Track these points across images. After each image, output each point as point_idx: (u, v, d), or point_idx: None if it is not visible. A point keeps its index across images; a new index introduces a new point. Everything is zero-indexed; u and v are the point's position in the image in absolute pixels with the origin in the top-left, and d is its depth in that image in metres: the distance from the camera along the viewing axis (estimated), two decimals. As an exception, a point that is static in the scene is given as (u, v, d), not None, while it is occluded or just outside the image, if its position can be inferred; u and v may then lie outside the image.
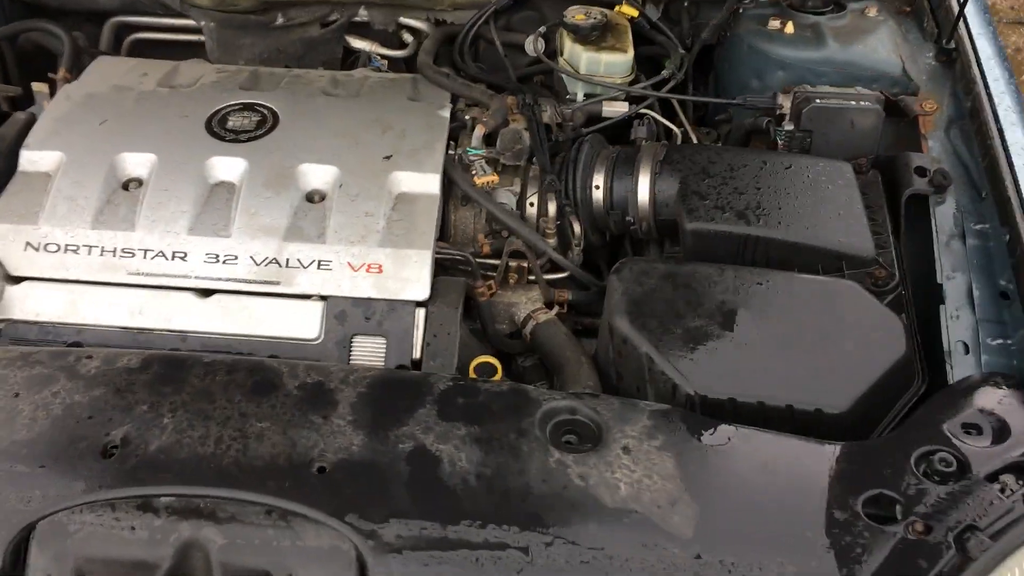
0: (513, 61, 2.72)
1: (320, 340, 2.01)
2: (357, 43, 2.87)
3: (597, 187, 2.28)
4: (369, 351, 2.02)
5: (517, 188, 2.28)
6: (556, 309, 2.20)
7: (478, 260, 2.21)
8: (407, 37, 2.91)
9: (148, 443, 1.63)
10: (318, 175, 2.18)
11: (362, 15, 2.87)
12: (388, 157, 2.22)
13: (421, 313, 2.03)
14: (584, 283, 2.25)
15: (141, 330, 2.02)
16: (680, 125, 2.60)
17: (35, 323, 2.01)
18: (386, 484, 1.60)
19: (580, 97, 2.51)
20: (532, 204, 2.30)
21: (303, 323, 2.02)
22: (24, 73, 2.70)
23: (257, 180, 2.15)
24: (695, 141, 2.60)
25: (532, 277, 2.23)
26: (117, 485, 1.58)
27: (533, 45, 2.67)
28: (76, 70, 2.50)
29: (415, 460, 1.64)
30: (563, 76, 2.53)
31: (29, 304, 2.01)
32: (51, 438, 1.64)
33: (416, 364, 2.00)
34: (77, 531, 1.53)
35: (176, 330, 2.02)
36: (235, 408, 1.70)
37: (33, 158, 2.18)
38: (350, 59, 2.88)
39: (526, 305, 2.25)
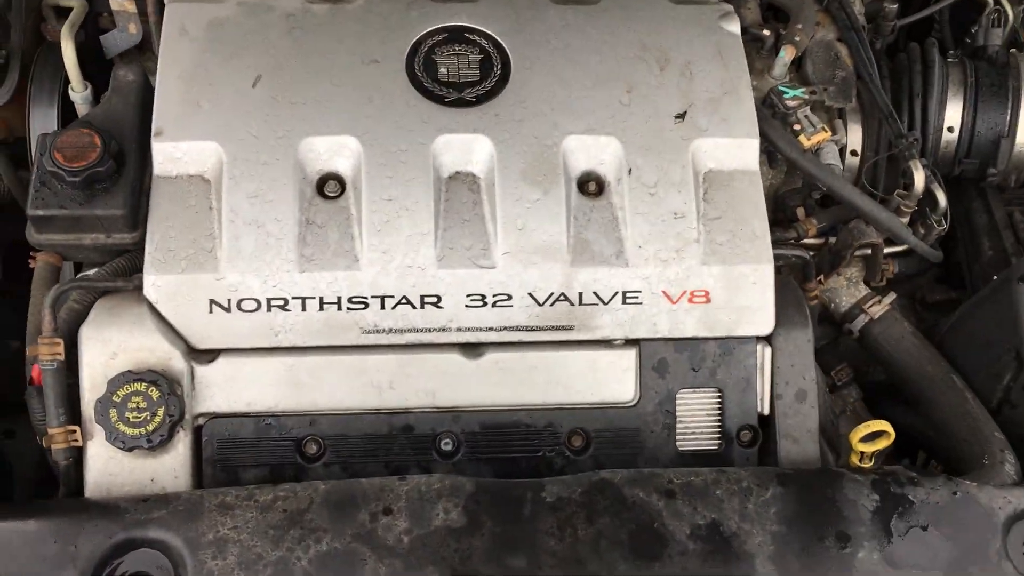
0: None
1: (636, 402, 1.50)
2: None
3: (951, 129, 1.68)
4: (699, 411, 1.52)
5: (838, 135, 1.67)
6: (891, 296, 1.70)
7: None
8: None
9: (533, 665, 1.18)
10: (592, 152, 1.53)
11: None
12: (681, 116, 1.57)
13: (766, 353, 1.52)
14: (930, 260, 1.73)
15: (394, 411, 1.45)
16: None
17: (248, 416, 1.42)
18: None
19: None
20: (855, 154, 1.71)
21: (611, 381, 1.48)
22: None
23: (512, 169, 1.50)
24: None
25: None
26: None
27: None
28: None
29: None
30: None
31: (236, 390, 1.41)
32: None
33: (763, 423, 1.53)
34: None
35: (442, 408, 1.46)
36: (624, 585, 1.23)
37: (175, 154, 1.45)
38: None
39: (847, 290, 1.74)
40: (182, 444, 1.40)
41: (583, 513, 1.28)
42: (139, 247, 1.45)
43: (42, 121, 1.56)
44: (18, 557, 1.21)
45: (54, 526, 1.24)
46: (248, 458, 1.43)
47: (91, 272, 1.47)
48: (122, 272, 1.44)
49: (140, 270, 1.46)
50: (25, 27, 1.71)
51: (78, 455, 1.38)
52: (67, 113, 1.66)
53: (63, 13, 1.74)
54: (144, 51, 1.71)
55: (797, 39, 1.62)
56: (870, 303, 1.69)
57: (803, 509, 1.31)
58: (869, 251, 1.64)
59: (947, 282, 1.99)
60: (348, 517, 1.25)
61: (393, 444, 1.46)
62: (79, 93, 1.51)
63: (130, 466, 1.39)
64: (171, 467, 1.40)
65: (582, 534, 1.26)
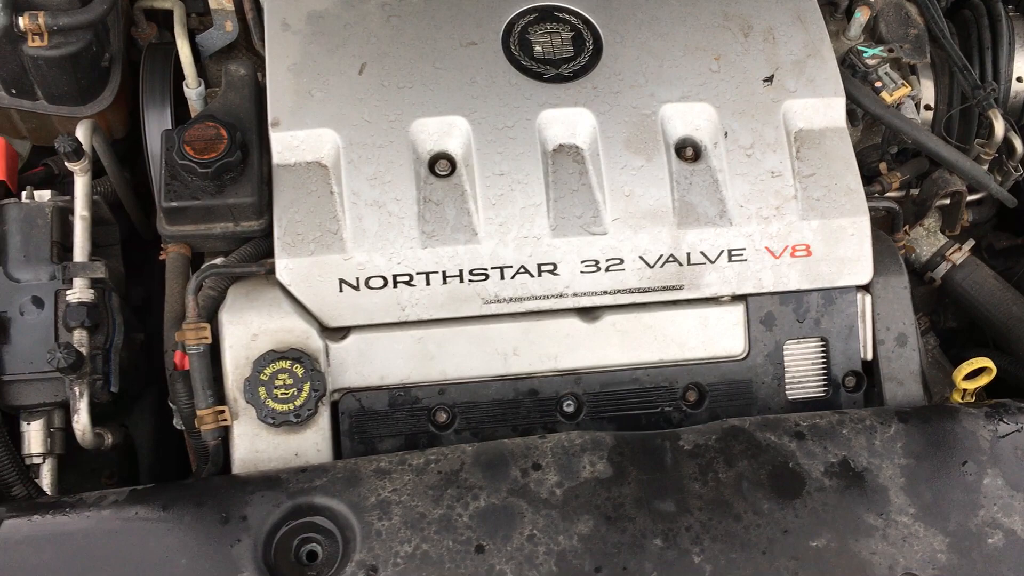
0: None
1: (746, 355, 1.56)
2: None
3: (1020, 79, 1.75)
4: (805, 360, 1.58)
5: (915, 90, 1.74)
6: (970, 243, 1.77)
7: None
8: None
9: (695, 600, 1.24)
10: (687, 119, 1.59)
11: None
12: (769, 79, 1.63)
13: (866, 301, 1.59)
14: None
15: (519, 377, 1.51)
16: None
17: (381, 389, 1.48)
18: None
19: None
20: (928, 108, 1.77)
21: (722, 336, 1.55)
22: None
23: (615, 139, 1.56)
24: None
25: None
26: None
27: None
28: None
29: (1016, 556, 1.30)
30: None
31: (368, 365, 1.47)
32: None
33: (867, 369, 1.59)
34: None
35: (565, 370, 1.52)
36: (768, 522, 1.29)
37: (292, 142, 1.51)
38: None
39: (927, 239, 1.80)
40: (322, 419, 1.45)
41: (721, 458, 1.34)
42: (264, 234, 1.51)
43: (157, 119, 1.61)
44: (193, 532, 1.27)
45: (222, 500, 1.29)
46: (383, 429, 1.49)
47: (217, 260, 1.52)
48: (249, 259, 1.49)
49: (264, 256, 1.53)
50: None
51: (224, 435, 1.44)
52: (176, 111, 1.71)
53: (151, 16, 1.80)
54: (233, 48, 1.78)
55: (871, 0, 1.69)
56: (951, 250, 1.76)
57: (927, 442, 1.38)
58: (949, 200, 1.71)
59: (1008, 229, 2.06)
60: (500, 474, 1.31)
61: (519, 408, 1.52)
62: (194, 89, 1.56)
63: (274, 443, 1.44)
64: (313, 442, 1.45)
65: (724, 477, 1.32)
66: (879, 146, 1.78)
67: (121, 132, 1.77)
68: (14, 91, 1.62)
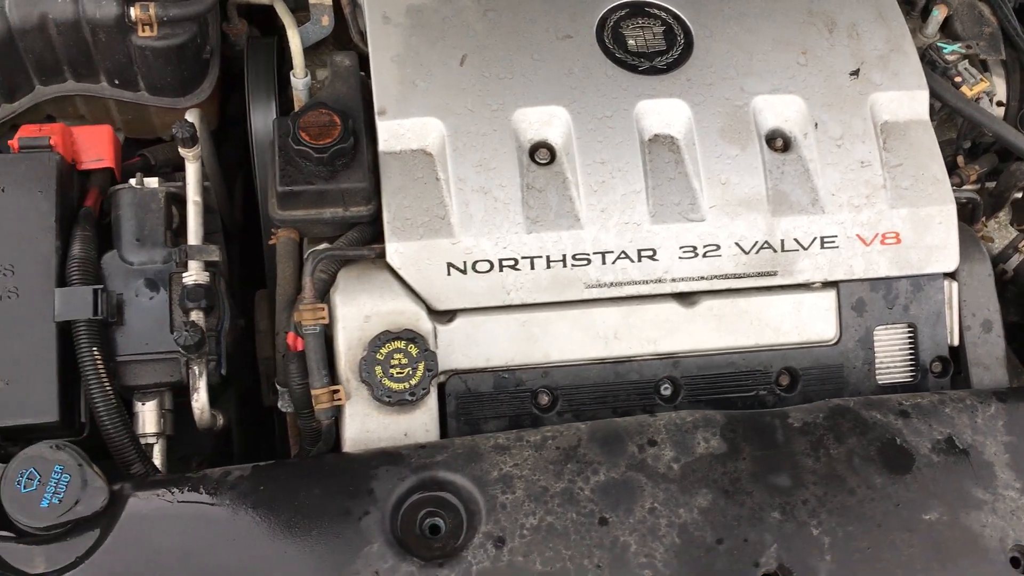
0: None
1: (838, 340, 1.60)
2: None
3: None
4: (894, 346, 1.62)
5: (990, 86, 1.79)
6: (1041, 237, 1.82)
7: None
8: None
9: (815, 570, 1.27)
10: (778, 110, 1.63)
11: None
12: (855, 73, 1.68)
13: (953, 288, 1.63)
14: None
15: (619, 360, 1.55)
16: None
17: (487, 371, 1.51)
18: None
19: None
20: (1000, 104, 1.82)
21: (815, 321, 1.58)
22: None
23: (709, 129, 1.60)
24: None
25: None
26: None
27: None
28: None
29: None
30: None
31: (474, 347, 1.50)
32: (693, 565, 1.26)
33: (953, 354, 1.63)
34: None
35: (664, 353, 1.55)
36: (881, 496, 1.32)
37: (399, 131, 1.54)
38: None
39: (999, 232, 1.85)
40: (431, 400, 1.48)
41: (831, 435, 1.38)
42: (370, 220, 1.54)
43: (263, 109, 1.65)
44: (321, 506, 1.29)
45: (348, 475, 1.32)
46: (488, 411, 1.52)
47: (321, 246, 1.55)
48: (356, 244, 1.53)
49: (369, 242, 1.56)
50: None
51: (336, 415, 1.47)
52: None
53: (242, 12, 1.83)
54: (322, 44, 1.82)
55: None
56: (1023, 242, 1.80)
57: (1025, 418, 1.42)
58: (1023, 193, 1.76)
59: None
60: (617, 450, 1.34)
61: (620, 391, 1.55)
62: (301, 79, 1.60)
63: (384, 423, 1.47)
64: (422, 422, 1.48)
65: (835, 453, 1.35)
66: (953, 141, 1.82)
67: (213, 125, 1.80)
68: (116, 82, 1.66)
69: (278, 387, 1.55)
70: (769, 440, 1.37)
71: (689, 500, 1.30)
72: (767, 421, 1.39)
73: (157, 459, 1.48)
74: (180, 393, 1.51)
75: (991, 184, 1.82)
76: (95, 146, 1.56)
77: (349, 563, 1.24)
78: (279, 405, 1.57)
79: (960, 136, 1.80)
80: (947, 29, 1.81)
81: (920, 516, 1.31)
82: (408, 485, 1.31)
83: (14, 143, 1.50)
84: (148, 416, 1.47)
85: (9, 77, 1.60)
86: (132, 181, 1.54)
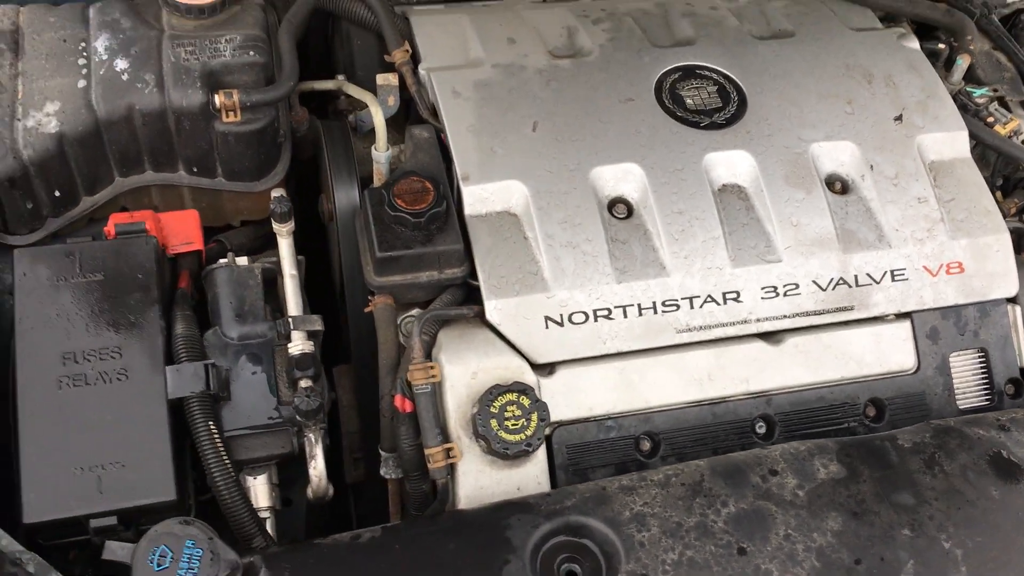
0: None
1: (917, 369, 1.65)
2: None
3: (1102, 112, 1.95)
4: (968, 370, 1.68)
5: (1020, 126, 1.91)
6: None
7: None
8: None
9: (954, 582, 1.29)
10: (834, 156, 1.72)
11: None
12: (899, 118, 1.78)
13: (1016, 311, 1.70)
14: None
15: (716, 400, 1.58)
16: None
17: (590, 420, 1.53)
18: None
19: (991, -8, 2.11)
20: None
21: (894, 352, 1.64)
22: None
23: (774, 176, 1.68)
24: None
25: None
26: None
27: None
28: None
29: None
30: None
31: (576, 398, 1.52)
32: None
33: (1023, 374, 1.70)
34: None
35: (756, 392, 1.59)
36: (1001, 506, 1.35)
37: (483, 194, 1.60)
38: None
39: (1030, 262, 1.94)
40: (540, 452, 1.49)
41: (941, 452, 1.41)
42: (463, 281, 1.58)
43: (346, 185, 1.68)
44: (460, 558, 1.28)
45: (481, 526, 1.32)
46: (595, 459, 1.53)
47: (414, 312, 1.58)
48: (451, 305, 1.55)
49: (462, 303, 1.59)
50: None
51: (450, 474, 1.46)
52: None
53: (305, 100, 1.89)
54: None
55: (971, 48, 1.87)
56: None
57: None
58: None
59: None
60: (741, 482, 1.36)
61: (718, 432, 1.58)
62: (383, 153, 1.64)
63: (497, 478, 1.47)
64: (533, 475, 1.48)
65: (949, 468, 1.39)
66: (988, 178, 1.93)
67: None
68: (195, 169, 1.69)
69: (382, 453, 1.55)
70: (884, 461, 1.40)
71: (821, 524, 1.32)
72: (878, 444, 1.42)
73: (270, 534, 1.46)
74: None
75: (1019, 224, 1.92)
76: (184, 230, 1.58)
77: (499, 612, 1.23)
78: (382, 472, 1.56)
79: (993, 173, 1.91)
80: (970, 76, 1.94)
81: (1042, 523, 1.35)
82: (543, 532, 1.31)
83: (110, 229, 1.52)
84: (260, 490, 1.45)
85: (93, 170, 1.62)
86: (223, 261, 1.57)
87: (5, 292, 1.57)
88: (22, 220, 1.60)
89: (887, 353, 1.65)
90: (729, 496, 1.35)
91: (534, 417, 1.44)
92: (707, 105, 1.76)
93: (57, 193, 1.60)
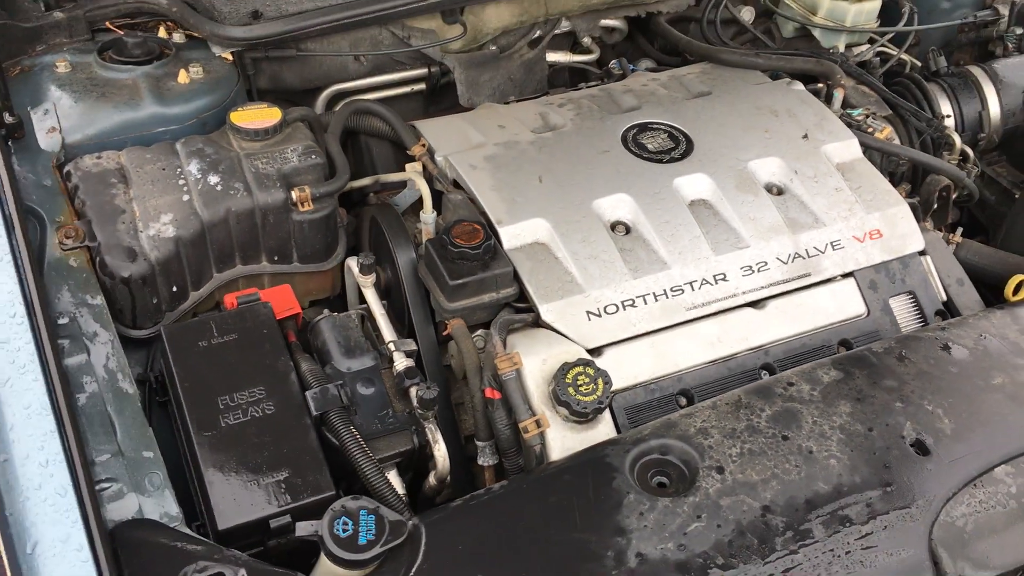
0: (724, 35, 2.86)
1: (868, 313, 2.11)
2: (552, 56, 2.86)
3: (948, 116, 2.54)
4: (905, 309, 2.15)
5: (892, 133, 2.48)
6: (959, 229, 2.44)
7: None
8: (586, 41, 2.92)
9: (942, 431, 1.70)
10: (766, 169, 2.23)
11: (563, 26, 2.85)
12: (805, 136, 2.31)
13: (928, 260, 2.20)
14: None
15: (727, 357, 2.00)
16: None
17: (639, 386, 1.92)
18: None
19: (841, 47, 2.72)
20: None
21: (849, 303, 2.11)
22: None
23: (728, 187, 2.17)
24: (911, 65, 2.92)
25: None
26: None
27: (744, 14, 2.83)
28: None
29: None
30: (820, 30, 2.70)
31: (625, 369, 1.92)
32: (861, 447, 1.67)
33: (947, 307, 2.17)
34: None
35: (755, 346, 2.02)
36: (960, 376, 1.79)
37: (516, 231, 2.02)
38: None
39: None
40: (607, 415, 1.86)
41: (907, 350, 1.86)
42: (512, 300, 1.96)
43: (405, 250, 2.06)
44: (579, 484, 1.61)
45: (584, 461, 1.67)
46: (646, 417, 1.90)
47: (480, 332, 1.95)
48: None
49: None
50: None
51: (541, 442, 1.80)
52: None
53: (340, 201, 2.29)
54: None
55: (843, 84, 2.45)
56: (949, 237, 2.42)
57: None
58: (939, 197, 2.39)
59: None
60: (769, 394, 1.76)
61: (733, 381, 1.99)
62: (430, 215, 2.05)
63: (578, 439, 1.82)
64: (605, 433, 1.85)
65: (915, 359, 1.83)
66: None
67: (337, 290, 2.21)
68: (276, 258, 2.05)
69: (479, 444, 1.88)
70: (868, 363, 1.83)
71: (835, 410, 1.73)
72: (861, 354, 1.86)
73: (403, 519, 1.75)
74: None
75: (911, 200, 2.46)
76: (284, 300, 1.92)
77: (619, 510, 1.57)
78: (480, 461, 1.89)
79: (880, 169, 2.45)
80: (845, 104, 2.52)
81: (990, 383, 1.78)
82: (633, 455, 1.67)
83: (232, 302, 1.85)
84: (393, 481, 1.75)
85: (198, 267, 1.97)
86: (325, 312, 1.92)
87: (144, 374, 1.88)
88: (148, 315, 1.92)
89: (843, 305, 2.11)
90: (763, 405, 1.75)
91: (600, 382, 1.82)
92: (663, 147, 2.26)
93: (174, 288, 1.94)
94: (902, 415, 1.74)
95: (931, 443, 1.70)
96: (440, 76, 2.66)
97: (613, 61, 2.75)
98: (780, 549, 1.54)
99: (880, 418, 1.73)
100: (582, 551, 1.55)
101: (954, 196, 2.48)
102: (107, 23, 2.29)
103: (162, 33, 2.35)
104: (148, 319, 1.94)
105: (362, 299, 2.12)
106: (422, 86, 2.67)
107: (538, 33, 2.77)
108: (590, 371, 1.83)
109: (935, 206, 2.40)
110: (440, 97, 2.75)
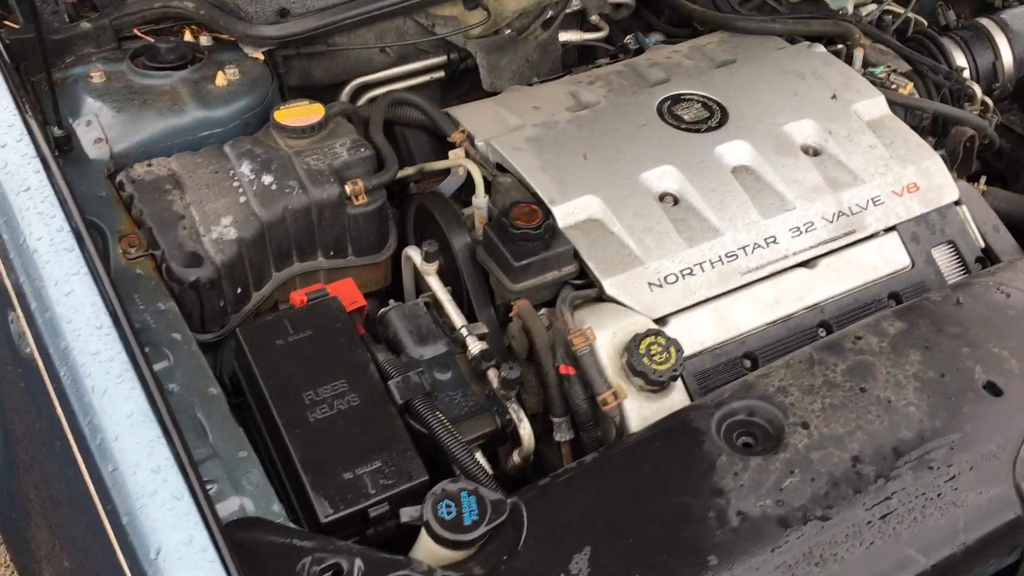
0: (733, 1, 2.89)
1: (913, 265, 2.16)
2: (564, 36, 2.88)
3: (964, 68, 2.60)
4: (947, 258, 2.21)
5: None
6: (983, 178, 2.50)
7: None
8: (594, 19, 2.94)
9: (1010, 371, 1.75)
10: (801, 131, 2.27)
11: (574, 5, 2.87)
12: (834, 96, 2.35)
13: (964, 209, 2.26)
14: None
15: (785, 318, 2.05)
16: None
17: (705, 351, 1.96)
18: None
19: (850, 8, 2.76)
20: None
21: (894, 256, 2.16)
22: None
23: (768, 151, 2.21)
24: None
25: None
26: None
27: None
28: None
29: None
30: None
31: (690, 336, 1.95)
32: (937, 393, 1.72)
33: (987, 253, 2.23)
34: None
35: (811, 304, 2.07)
36: (1019, 319, 1.85)
37: (569, 210, 2.05)
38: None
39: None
40: (679, 383, 1.89)
41: (964, 295, 1.92)
42: (573, 278, 1.99)
43: (459, 233, 2.08)
44: (671, 448, 1.66)
45: (671, 426, 1.71)
46: (716, 381, 1.94)
47: (544, 311, 1.97)
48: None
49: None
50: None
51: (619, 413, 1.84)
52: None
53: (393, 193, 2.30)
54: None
55: (863, 43, 2.50)
56: (975, 186, 2.48)
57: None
58: (964, 146, 2.45)
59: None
60: (839, 349, 1.81)
61: (793, 340, 2.03)
62: (483, 199, 2.07)
63: (655, 408, 1.86)
64: (680, 400, 1.88)
65: (972, 305, 1.89)
66: (904, 127, 2.55)
67: (388, 281, 2.22)
68: (332, 253, 2.06)
69: (555, 420, 1.91)
70: (928, 312, 1.88)
71: (907, 359, 1.78)
72: (919, 303, 1.91)
73: (493, 499, 1.78)
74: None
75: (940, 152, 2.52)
76: (350, 294, 1.92)
77: (715, 470, 1.61)
78: (556, 437, 1.91)
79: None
80: (865, 63, 2.56)
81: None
82: (717, 417, 1.71)
83: (302, 299, 1.86)
84: (481, 462, 1.78)
85: (259, 267, 1.97)
86: (391, 303, 1.93)
87: (223, 375, 1.88)
88: (215, 318, 1.93)
89: (889, 258, 2.17)
90: (836, 360, 1.80)
91: (672, 350, 1.85)
92: (700, 117, 2.29)
93: (239, 290, 1.94)
94: (971, 359, 1.79)
95: (1002, 383, 1.75)
96: (459, 62, 2.68)
97: (629, 36, 2.79)
98: (875, 495, 1.60)
99: (950, 364, 1.79)
100: (684, 514, 1.59)
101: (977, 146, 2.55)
102: (135, 30, 2.28)
103: (188, 37, 2.34)
104: (215, 322, 1.94)
105: (419, 288, 2.14)
106: (441, 74, 2.69)
107: (550, 13, 2.81)
108: (661, 340, 1.86)
109: (960, 157, 2.46)
110: (456, 84, 2.78)
